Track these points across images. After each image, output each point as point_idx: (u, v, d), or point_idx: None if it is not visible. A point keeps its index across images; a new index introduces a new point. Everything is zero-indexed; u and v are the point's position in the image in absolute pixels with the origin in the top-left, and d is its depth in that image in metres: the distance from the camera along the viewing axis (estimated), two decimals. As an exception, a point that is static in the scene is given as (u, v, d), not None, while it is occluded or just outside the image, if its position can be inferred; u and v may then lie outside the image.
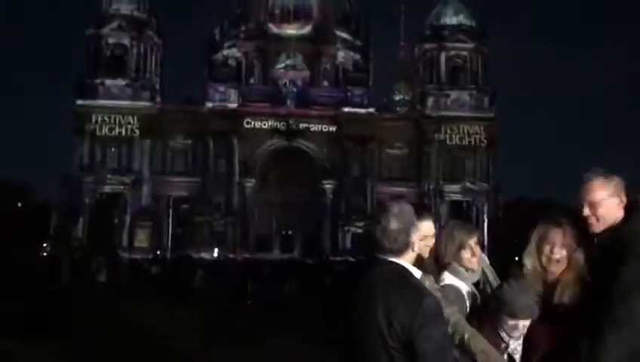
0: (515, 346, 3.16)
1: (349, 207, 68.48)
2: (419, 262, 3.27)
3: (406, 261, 2.65)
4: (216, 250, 60.98)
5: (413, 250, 2.67)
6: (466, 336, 3.04)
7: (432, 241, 3.54)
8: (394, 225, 2.63)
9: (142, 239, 65.89)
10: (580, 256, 3.25)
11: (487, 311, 3.24)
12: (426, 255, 3.45)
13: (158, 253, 49.69)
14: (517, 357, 3.17)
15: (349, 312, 2.67)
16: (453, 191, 70.59)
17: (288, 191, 71.20)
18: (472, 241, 3.56)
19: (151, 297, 23.34)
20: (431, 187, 70.42)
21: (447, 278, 3.46)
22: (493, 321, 3.16)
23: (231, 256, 53.62)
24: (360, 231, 67.12)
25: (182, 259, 36.00)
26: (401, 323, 2.43)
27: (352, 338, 2.63)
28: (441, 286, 3.33)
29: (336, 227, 68.12)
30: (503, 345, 3.13)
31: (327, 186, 70.01)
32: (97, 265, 29.25)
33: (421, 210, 3.36)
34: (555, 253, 3.24)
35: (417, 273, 2.69)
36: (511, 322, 3.09)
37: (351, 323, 2.63)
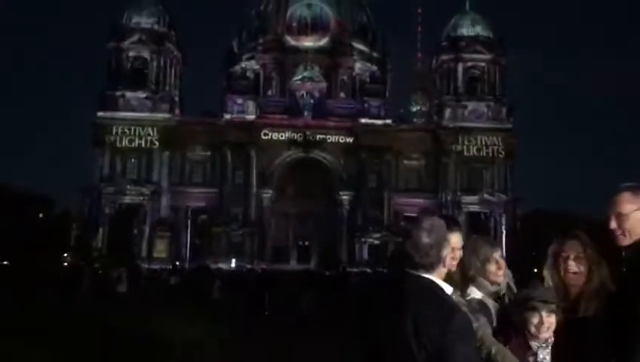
0: (544, 355, 3.15)
1: (365, 219, 68.40)
2: (447, 275, 3.39)
3: (437, 276, 2.64)
4: (233, 260, 61.26)
5: (444, 266, 2.66)
6: (493, 350, 3.04)
7: (459, 254, 3.50)
8: (425, 239, 2.60)
9: (160, 249, 66.45)
10: (602, 269, 3.26)
11: (512, 321, 3.26)
12: (453, 268, 3.40)
13: (177, 263, 49.98)
14: None
15: (377, 325, 2.66)
16: (470, 202, 70.17)
17: (305, 202, 71.36)
18: (497, 254, 3.59)
19: (170, 308, 23.58)
20: (448, 198, 70.07)
21: (473, 292, 3.50)
22: (519, 332, 3.20)
23: (248, 266, 53.83)
24: (377, 242, 66.99)
25: (200, 269, 36.27)
26: (430, 338, 2.42)
27: (379, 351, 2.61)
28: (468, 300, 3.38)
29: (352, 238, 68.03)
30: (531, 357, 3.14)
31: (344, 197, 70.03)
32: (117, 275, 29.53)
33: (449, 223, 3.29)
34: (572, 266, 3.26)
35: (448, 289, 2.67)
36: (534, 319, 3.10)
37: (378, 336, 2.63)
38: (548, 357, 3.16)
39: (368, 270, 47.15)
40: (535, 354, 3.17)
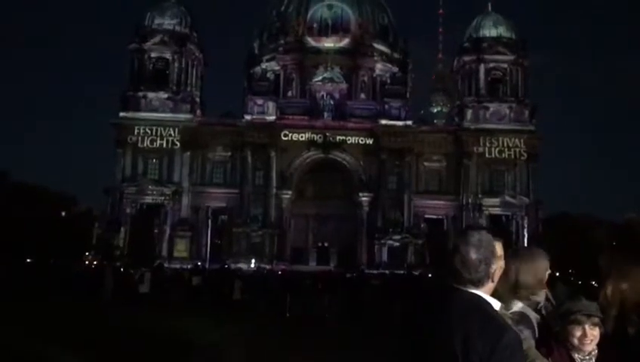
0: None
1: (385, 220, 68.14)
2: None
3: (485, 292, 2.60)
4: (253, 261, 61.41)
5: (492, 281, 2.62)
6: None
7: (502, 264, 3.48)
8: (474, 255, 2.58)
9: (181, 249, 66.91)
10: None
11: (554, 333, 3.22)
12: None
13: (199, 263, 50.24)
14: None
15: (422, 341, 2.60)
16: (492, 205, 69.51)
17: (325, 204, 71.33)
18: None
19: (194, 309, 23.69)
20: (469, 201, 69.46)
21: (515, 304, 3.43)
22: (561, 345, 3.15)
23: (268, 267, 53.92)
24: (396, 244, 66.66)
25: (221, 270, 36.41)
26: (479, 355, 2.38)
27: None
28: (512, 313, 3.31)
29: (372, 240, 67.81)
30: None
31: (364, 199, 69.81)
32: (140, 275, 29.67)
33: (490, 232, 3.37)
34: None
35: (496, 304, 2.63)
36: (577, 332, 3.07)
37: (423, 351, 2.57)
38: None
39: (387, 272, 46.87)
40: None
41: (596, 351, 3.14)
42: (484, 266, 2.59)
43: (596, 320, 3.12)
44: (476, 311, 2.53)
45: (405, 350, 2.72)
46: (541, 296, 3.57)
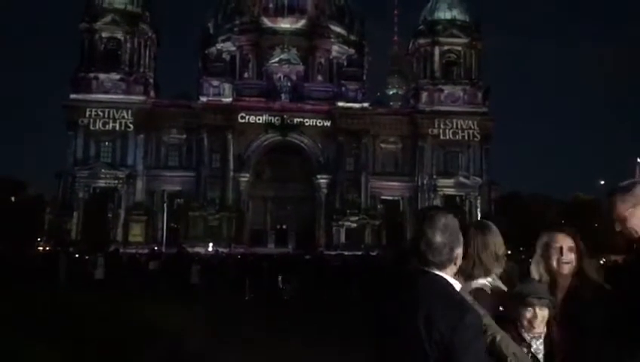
0: (537, 346, 3.29)
1: (343, 202, 68.69)
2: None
3: (448, 274, 2.68)
4: (210, 244, 61.00)
5: (455, 264, 2.70)
6: (498, 338, 3.11)
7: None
8: (439, 238, 2.65)
9: (136, 234, 65.86)
10: (592, 259, 3.40)
11: (506, 311, 3.38)
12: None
13: (155, 248, 49.60)
14: (540, 356, 3.28)
15: (386, 319, 2.69)
16: (446, 185, 70.91)
17: (283, 186, 71.33)
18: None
19: (151, 294, 23.50)
20: (424, 181, 70.70)
21: (478, 281, 3.53)
22: (512, 324, 3.31)
23: (226, 250, 53.67)
24: (354, 225, 67.39)
25: (179, 254, 36.05)
26: (441, 335, 2.47)
27: (388, 346, 2.66)
28: (475, 289, 3.43)
29: (330, 221, 68.33)
30: (525, 348, 3.25)
31: (322, 181, 70.12)
32: (94, 261, 29.16)
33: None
34: (564, 256, 3.37)
35: (457, 286, 2.72)
36: (528, 314, 3.24)
37: (389, 330, 2.66)
38: (541, 347, 3.30)
39: (345, 253, 47.42)
40: (529, 346, 3.29)
41: (545, 330, 3.31)
42: (448, 250, 2.66)
43: (546, 301, 3.28)
44: (439, 292, 2.61)
45: (370, 330, 2.79)
46: (498, 271, 3.68)
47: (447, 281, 2.67)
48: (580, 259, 3.41)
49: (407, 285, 2.73)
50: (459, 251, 2.71)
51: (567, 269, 3.36)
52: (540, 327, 3.29)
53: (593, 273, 3.41)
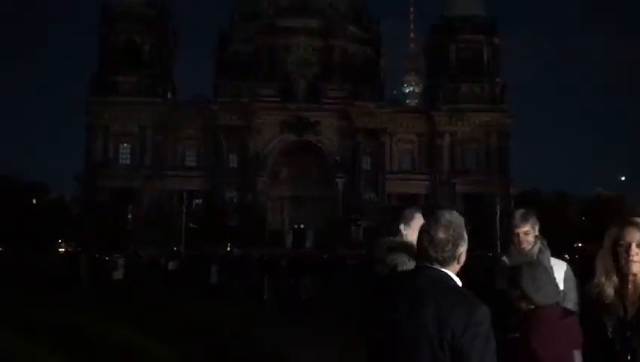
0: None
1: (360, 201, 68.59)
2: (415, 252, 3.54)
3: (451, 271, 2.65)
4: (229, 244, 61.34)
5: (459, 263, 2.67)
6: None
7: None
8: (442, 235, 2.63)
9: (156, 234, 66.40)
10: None
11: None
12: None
13: (175, 248, 50.01)
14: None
15: (390, 315, 2.63)
16: (464, 183, 70.44)
17: (300, 186, 71.43)
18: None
19: (171, 294, 23.71)
20: (442, 179, 70.32)
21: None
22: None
23: (244, 250, 53.90)
24: (372, 224, 67.28)
25: (197, 254, 36.36)
26: (452, 330, 2.45)
27: (391, 340, 2.61)
28: None
29: (347, 221, 68.26)
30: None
31: (339, 180, 70.02)
32: (113, 261, 29.46)
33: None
34: (633, 254, 3.08)
35: (460, 284, 2.68)
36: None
37: (391, 325, 2.62)
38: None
39: (364, 252, 47.37)
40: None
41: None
42: (452, 247, 2.63)
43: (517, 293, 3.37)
44: (446, 287, 2.59)
45: (374, 325, 2.74)
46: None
47: (452, 278, 2.65)
48: None
49: (412, 280, 2.69)
50: (462, 249, 2.67)
51: (636, 268, 3.07)
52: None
53: None
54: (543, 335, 3.40)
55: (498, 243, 61.62)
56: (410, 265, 3.58)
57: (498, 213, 66.05)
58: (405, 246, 3.86)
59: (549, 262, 4.27)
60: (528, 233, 4.40)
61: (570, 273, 4.43)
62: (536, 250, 4.36)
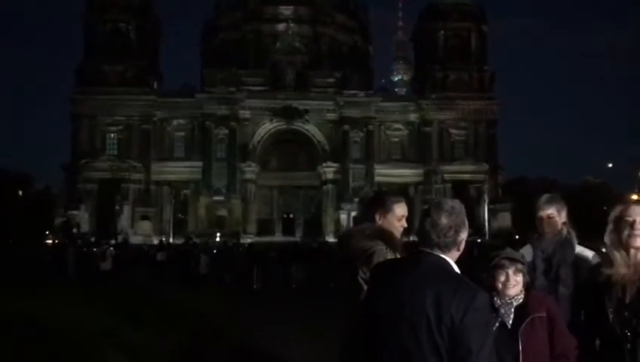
0: (506, 311, 3.29)
1: (349, 190, 68.60)
2: (393, 241, 3.59)
3: (450, 258, 2.65)
4: (218, 234, 61.16)
5: (459, 250, 2.67)
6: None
7: (403, 222, 3.92)
8: (445, 220, 2.64)
9: (143, 225, 66.06)
10: None
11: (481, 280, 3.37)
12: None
13: (163, 239, 49.77)
14: (509, 322, 3.28)
15: (391, 300, 2.63)
16: (453, 171, 70.63)
17: (289, 175, 71.28)
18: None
19: (159, 284, 23.57)
20: (431, 168, 70.49)
21: None
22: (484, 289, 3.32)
23: (234, 240, 53.79)
24: (361, 213, 67.31)
25: (186, 245, 36.16)
26: (452, 316, 2.45)
27: (392, 326, 2.60)
28: None
29: (337, 210, 68.23)
30: (493, 313, 3.23)
31: (328, 169, 70.01)
32: (101, 252, 29.24)
33: (390, 196, 3.96)
34: (637, 228, 3.22)
35: (458, 270, 2.68)
36: (501, 276, 3.27)
37: (391, 311, 2.61)
38: (511, 316, 3.28)
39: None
40: (497, 310, 3.29)
41: (521, 298, 3.30)
42: (454, 233, 2.64)
43: (520, 266, 3.31)
44: (447, 273, 2.60)
45: (372, 307, 2.74)
46: None
47: (451, 264, 2.65)
48: None
49: (413, 264, 2.68)
50: (464, 236, 2.68)
51: (639, 242, 3.23)
52: (513, 291, 3.28)
53: None
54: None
55: (486, 230, 62.13)
56: (388, 254, 3.55)
57: (486, 200, 66.48)
58: (383, 234, 3.74)
59: (573, 251, 4.08)
60: (552, 216, 4.19)
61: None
62: (560, 237, 4.13)
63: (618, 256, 3.24)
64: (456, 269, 2.66)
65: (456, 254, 2.68)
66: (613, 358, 3.08)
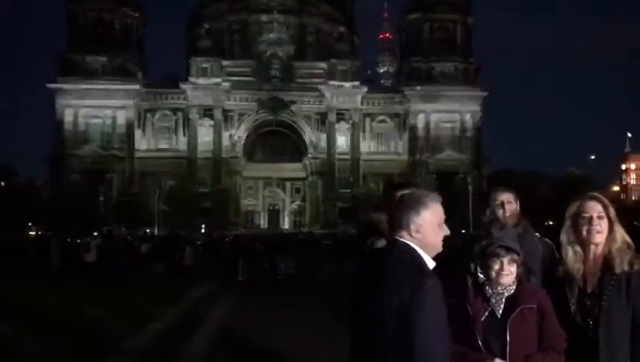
0: (497, 300, 3.24)
1: (335, 181, 68.68)
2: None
3: (415, 243, 2.72)
4: (203, 226, 60.95)
5: (419, 232, 2.73)
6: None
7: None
8: (404, 207, 2.76)
9: (128, 216, 65.59)
10: (620, 227, 3.31)
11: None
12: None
13: (148, 230, 49.50)
14: (499, 312, 3.24)
15: (362, 291, 2.78)
16: (438, 162, 70.97)
17: (275, 166, 71.19)
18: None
19: (143, 276, 23.46)
20: (417, 159, 70.73)
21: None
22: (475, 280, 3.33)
23: (219, 231, 53.63)
24: (348, 204, 67.50)
25: (171, 236, 35.98)
26: (401, 298, 2.53)
27: (362, 312, 2.76)
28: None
29: (323, 201, 68.34)
30: (484, 302, 3.22)
31: (314, 160, 70.00)
32: (86, 244, 29.02)
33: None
34: (595, 224, 3.26)
35: (424, 255, 2.75)
36: (495, 265, 3.22)
37: (364, 298, 2.76)
38: (502, 306, 3.25)
39: (338, 232, 47.58)
40: (487, 299, 3.26)
41: (513, 289, 3.26)
42: (407, 217, 2.74)
43: (515, 256, 3.26)
44: (405, 258, 2.69)
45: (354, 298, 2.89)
46: None
47: (413, 248, 2.73)
48: (611, 227, 3.31)
49: (386, 253, 2.79)
50: (421, 221, 2.74)
51: (598, 238, 3.27)
52: (506, 279, 3.24)
53: (626, 237, 3.31)
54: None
55: (471, 222, 62.56)
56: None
57: (471, 191, 66.90)
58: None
59: (534, 241, 4.15)
60: (511, 202, 4.28)
61: (554, 253, 4.33)
62: (521, 228, 4.20)
63: (571, 252, 3.29)
64: (421, 252, 2.73)
65: (419, 238, 2.73)
66: (575, 348, 3.11)
